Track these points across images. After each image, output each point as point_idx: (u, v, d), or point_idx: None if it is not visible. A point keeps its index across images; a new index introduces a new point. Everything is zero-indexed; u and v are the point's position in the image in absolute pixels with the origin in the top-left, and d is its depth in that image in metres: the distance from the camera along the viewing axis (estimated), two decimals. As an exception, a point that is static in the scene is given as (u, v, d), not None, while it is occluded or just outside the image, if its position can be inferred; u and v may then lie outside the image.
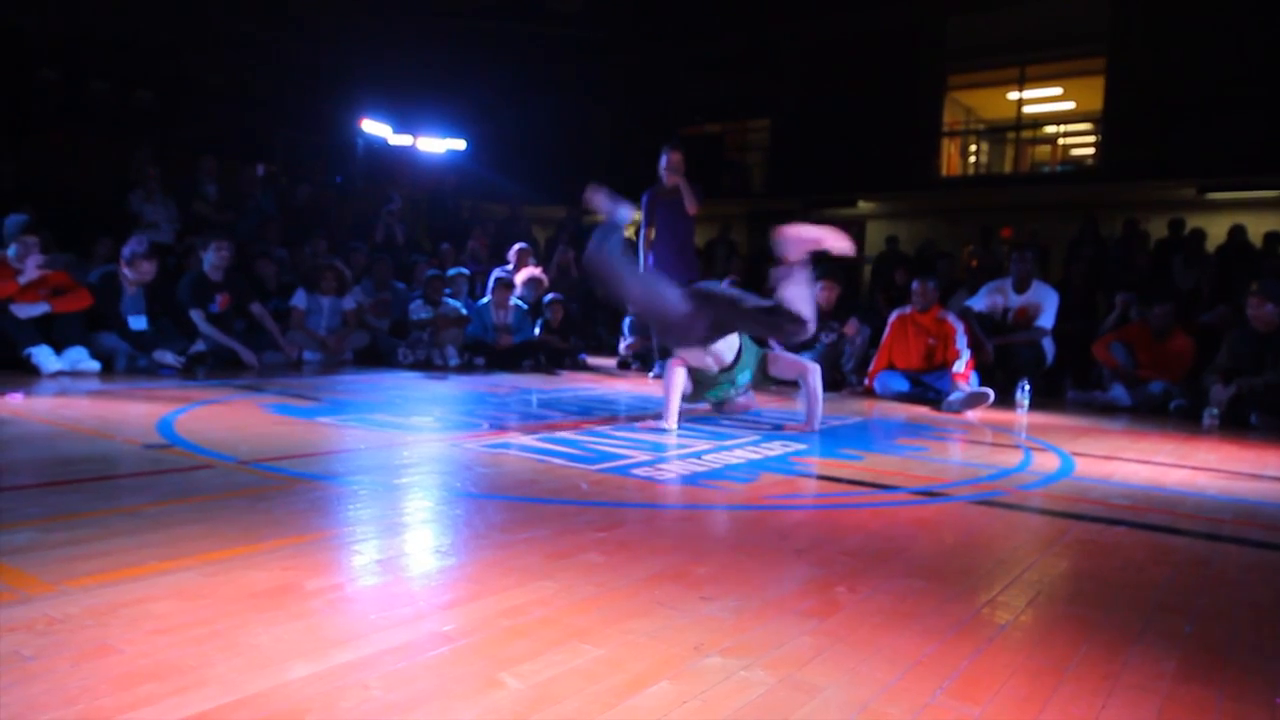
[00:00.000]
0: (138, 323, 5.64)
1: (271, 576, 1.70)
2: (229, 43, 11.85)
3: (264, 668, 1.29)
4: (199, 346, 5.70)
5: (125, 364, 5.36)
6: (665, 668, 1.36)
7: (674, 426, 3.93)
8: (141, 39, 11.11)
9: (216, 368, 5.80)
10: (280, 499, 2.34)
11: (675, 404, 3.98)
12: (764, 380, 4.28)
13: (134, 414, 3.78)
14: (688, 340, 3.90)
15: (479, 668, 1.33)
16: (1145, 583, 1.95)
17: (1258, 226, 9.69)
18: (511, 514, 2.33)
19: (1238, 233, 9.68)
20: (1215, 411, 5.26)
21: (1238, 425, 5.24)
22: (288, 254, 8.21)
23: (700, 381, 4.16)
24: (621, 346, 7.85)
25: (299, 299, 6.84)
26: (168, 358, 5.45)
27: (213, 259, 6.20)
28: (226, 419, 3.81)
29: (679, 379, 4.00)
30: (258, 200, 8.98)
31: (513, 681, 1.28)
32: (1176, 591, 1.90)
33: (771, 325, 3.77)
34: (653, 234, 6.14)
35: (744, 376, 4.18)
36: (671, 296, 3.80)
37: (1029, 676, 1.39)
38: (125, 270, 5.69)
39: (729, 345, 4.07)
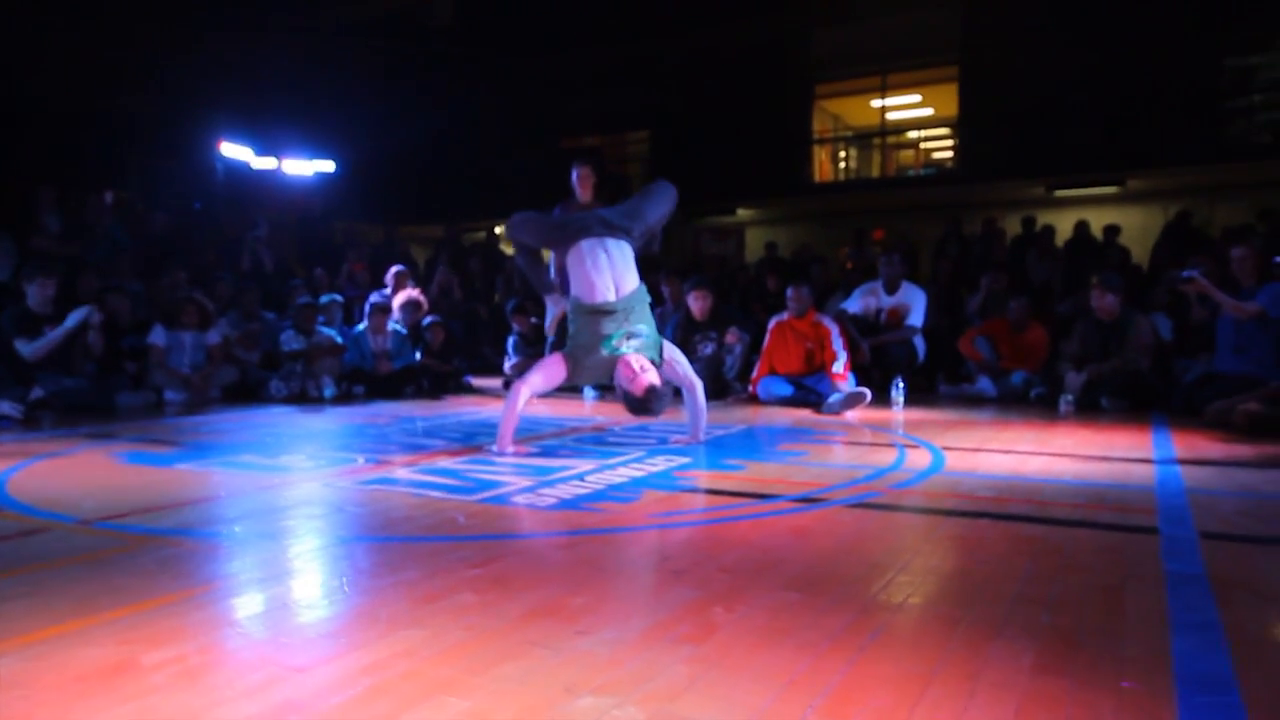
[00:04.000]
0: (-37, 372, 5.15)
1: (105, 654, 1.55)
2: (71, 61, 11.04)
3: (85, 763, 1.16)
4: (39, 393, 5.25)
5: (-46, 419, 4.88)
6: (533, 715, 1.30)
7: (509, 450, 3.76)
8: (-34, 60, 10.24)
9: (66, 415, 5.35)
10: (122, 561, 2.15)
11: (511, 428, 3.80)
12: (658, 360, 3.89)
13: (-39, 474, 3.43)
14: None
15: (331, 737, 1.24)
16: (1007, 574, 2.03)
17: (1099, 220, 10.46)
18: (382, 556, 2.22)
19: (1082, 227, 10.43)
20: (1070, 398, 5.61)
21: (1091, 409, 5.61)
22: (144, 287, 7.71)
23: (587, 349, 3.74)
24: (506, 366, 7.73)
25: (157, 335, 6.41)
26: (4, 407, 4.99)
27: (36, 296, 5.75)
28: (70, 473, 3.51)
29: (520, 402, 3.77)
30: (107, 230, 8.39)
31: (368, 749, 1.20)
32: (1035, 581, 1.98)
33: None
34: None
35: (641, 330, 3.74)
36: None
37: (896, 685, 1.41)
38: None
39: (625, 263, 3.80)
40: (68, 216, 8.34)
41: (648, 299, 3.90)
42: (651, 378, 3.64)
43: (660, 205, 4.08)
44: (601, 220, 3.89)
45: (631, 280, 3.82)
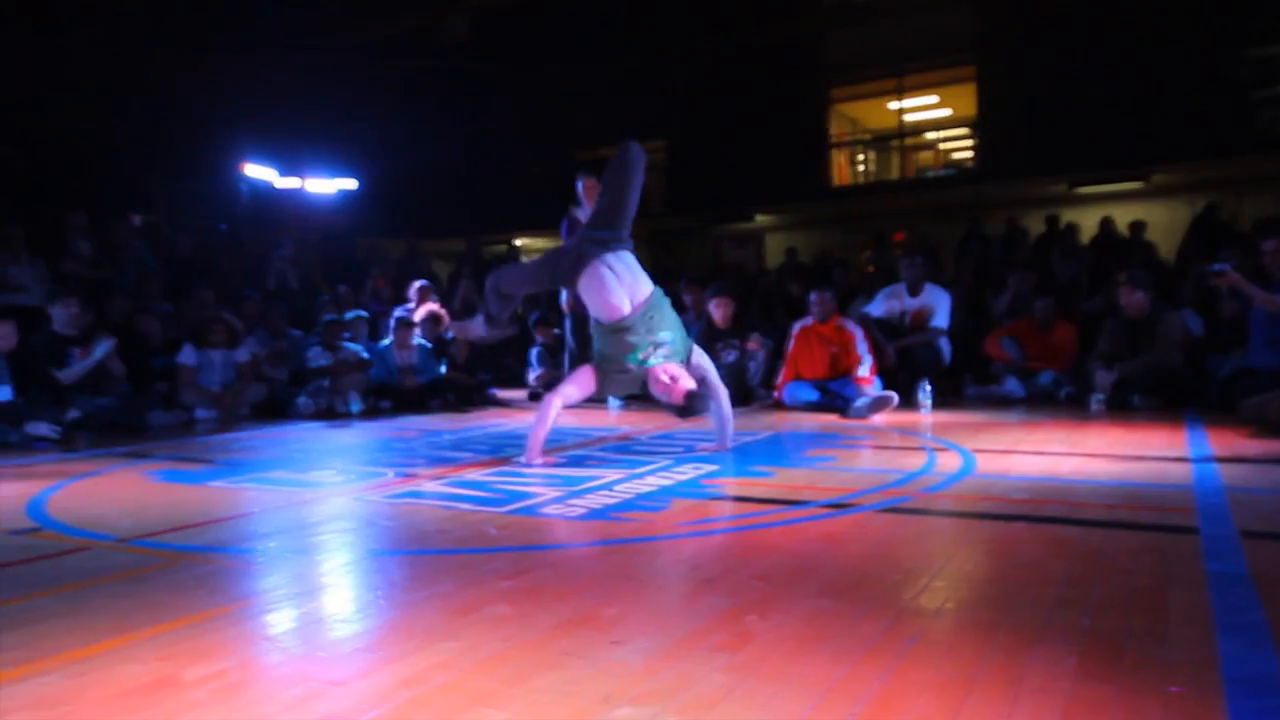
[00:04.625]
0: (2, 393, 5.24)
1: (146, 670, 1.57)
2: (95, 89, 11.27)
3: (132, 780, 1.18)
4: (74, 414, 5.34)
5: (-8, 441, 4.97)
6: (572, 727, 1.30)
7: (537, 461, 3.75)
8: (-5, 92, 10.49)
9: (100, 435, 5.44)
10: (160, 578, 2.18)
11: (540, 439, 3.79)
12: (686, 363, 3.87)
13: None
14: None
15: (372, 751, 1.25)
16: (1044, 578, 2.00)
17: (1123, 216, 10.34)
18: (415, 570, 2.23)
19: (1107, 224, 10.31)
20: (1101, 396, 5.53)
21: (1122, 408, 5.52)
22: (173, 308, 7.83)
23: (614, 362, 3.73)
24: (530, 377, 7.76)
25: (187, 355, 6.50)
26: (41, 429, 5.08)
27: (62, 316, 5.87)
28: (107, 492, 3.56)
29: (552, 414, 3.75)
30: (136, 253, 8.54)
31: (409, 763, 1.21)
32: (1073, 584, 1.95)
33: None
34: None
35: (665, 338, 3.71)
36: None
37: (936, 693, 1.39)
38: None
39: (632, 273, 3.78)
40: (97, 241, 8.50)
41: (666, 300, 3.86)
42: (686, 383, 3.65)
43: (633, 184, 3.89)
44: (590, 240, 3.83)
45: (644, 287, 3.79)
